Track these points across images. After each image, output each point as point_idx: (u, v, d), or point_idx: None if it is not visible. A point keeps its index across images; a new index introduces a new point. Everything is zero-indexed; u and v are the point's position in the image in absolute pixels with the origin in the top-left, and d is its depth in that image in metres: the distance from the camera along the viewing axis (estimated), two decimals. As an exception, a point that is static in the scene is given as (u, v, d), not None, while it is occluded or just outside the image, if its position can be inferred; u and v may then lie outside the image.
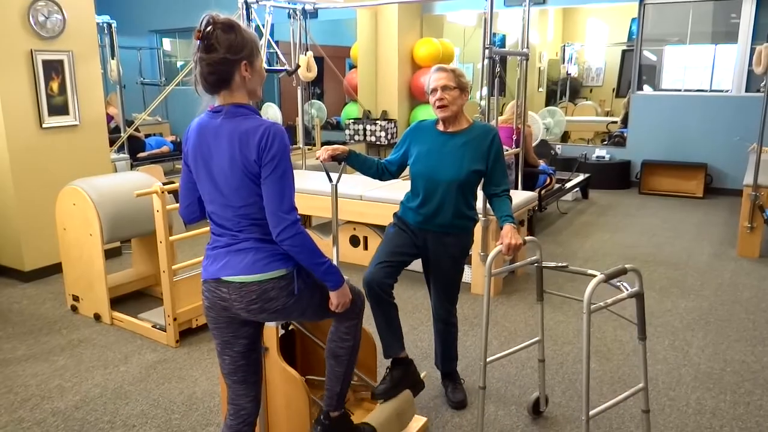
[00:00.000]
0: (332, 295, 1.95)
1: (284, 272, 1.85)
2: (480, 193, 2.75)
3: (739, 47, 7.33)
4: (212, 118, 1.79)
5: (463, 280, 2.84)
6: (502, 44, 9.77)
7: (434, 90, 2.55)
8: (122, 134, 6.35)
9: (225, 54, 1.71)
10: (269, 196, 1.75)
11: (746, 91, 7.35)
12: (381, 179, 2.82)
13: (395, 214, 2.76)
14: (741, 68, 7.33)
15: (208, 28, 1.70)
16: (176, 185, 3.48)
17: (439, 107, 2.56)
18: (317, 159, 2.63)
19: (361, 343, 2.20)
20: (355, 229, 4.80)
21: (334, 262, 2.77)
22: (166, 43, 10.95)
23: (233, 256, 1.83)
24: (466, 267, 3.06)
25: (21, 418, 2.79)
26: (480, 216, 3.88)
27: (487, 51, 4.33)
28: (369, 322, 3.18)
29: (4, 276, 4.69)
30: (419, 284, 4.39)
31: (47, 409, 2.86)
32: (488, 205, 2.71)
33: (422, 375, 2.68)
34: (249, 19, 5.05)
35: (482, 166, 2.57)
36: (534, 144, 6.42)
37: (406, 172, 2.85)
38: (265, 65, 1.88)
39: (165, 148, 7.69)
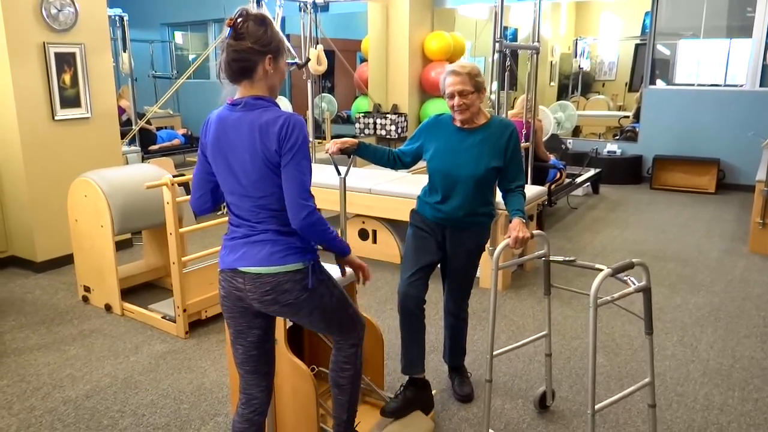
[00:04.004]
0: (344, 261, 2.06)
1: (300, 266, 1.86)
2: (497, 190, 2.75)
3: (753, 42, 7.25)
4: (232, 111, 1.82)
5: (472, 274, 2.84)
6: (514, 38, 9.71)
7: (451, 95, 2.52)
8: (134, 127, 6.40)
9: (252, 44, 1.76)
10: (290, 184, 1.77)
11: (760, 86, 7.27)
12: (394, 168, 2.82)
13: (413, 211, 2.76)
14: (756, 63, 7.25)
15: (241, 18, 1.76)
16: (186, 178, 3.50)
17: (457, 111, 2.55)
18: (326, 152, 2.63)
19: (369, 339, 2.20)
20: (363, 222, 4.81)
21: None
22: (178, 36, 11.00)
23: (250, 248, 1.85)
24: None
25: (33, 406, 2.83)
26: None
27: (497, 45, 4.31)
28: (377, 315, 3.19)
29: (16, 266, 4.74)
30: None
31: (58, 397, 2.90)
32: (497, 199, 2.70)
33: (433, 392, 2.69)
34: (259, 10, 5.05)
35: (500, 163, 2.56)
36: (544, 138, 6.40)
37: (416, 165, 2.85)
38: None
39: (176, 141, 7.75)
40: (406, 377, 2.63)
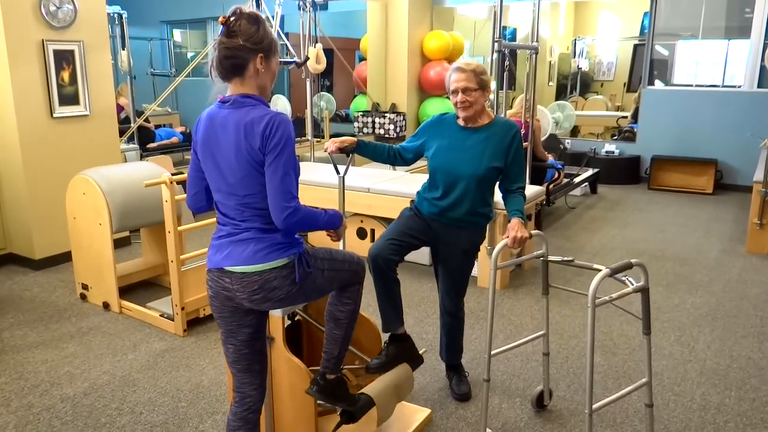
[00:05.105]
0: (336, 232, 2.16)
1: (285, 261, 1.87)
2: (497, 190, 2.75)
3: (752, 42, 7.26)
4: (221, 109, 1.83)
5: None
6: (513, 38, 9.72)
7: (455, 91, 2.54)
8: (132, 125, 6.39)
9: (244, 42, 1.77)
10: (272, 184, 1.78)
11: (758, 86, 7.28)
12: (393, 165, 2.83)
13: (411, 202, 2.79)
14: (754, 64, 7.26)
15: (234, 16, 1.78)
16: (185, 176, 3.50)
17: (461, 108, 2.56)
18: (325, 151, 2.64)
19: (364, 331, 2.21)
20: (362, 221, 4.81)
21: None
22: (177, 34, 10.98)
23: (235, 246, 1.86)
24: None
25: (31, 403, 2.83)
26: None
27: (496, 44, 4.32)
28: (375, 314, 3.20)
29: (15, 264, 4.74)
30: (425, 277, 4.40)
31: (56, 395, 2.90)
32: (496, 199, 2.72)
33: (421, 351, 2.69)
34: (259, 9, 5.06)
35: (501, 163, 2.57)
36: (543, 138, 6.40)
37: (416, 165, 2.85)
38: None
39: (174, 139, 7.73)
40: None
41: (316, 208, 1.95)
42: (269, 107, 1.83)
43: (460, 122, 2.63)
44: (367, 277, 2.17)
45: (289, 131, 1.78)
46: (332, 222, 2.04)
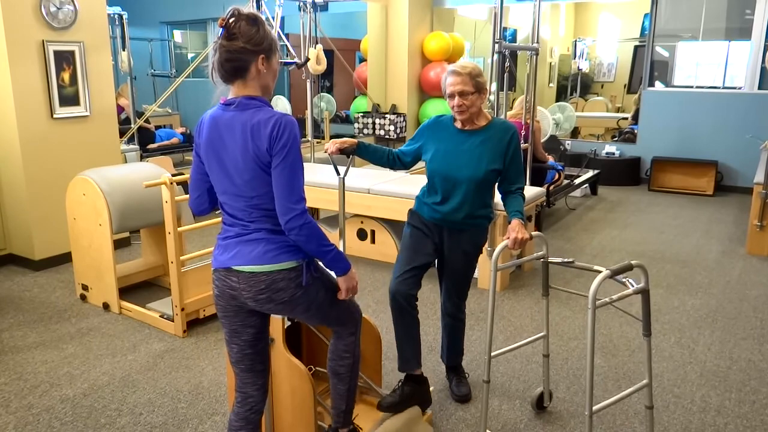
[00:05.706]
0: (340, 281, 1.98)
1: (294, 264, 1.87)
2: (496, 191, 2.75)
3: (752, 44, 7.26)
4: (225, 111, 1.83)
5: (470, 274, 2.84)
6: (513, 39, 9.71)
7: (451, 95, 2.52)
8: (132, 125, 6.39)
9: (245, 44, 1.76)
10: (278, 185, 1.77)
11: (759, 88, 7.29)
12: (393, 168, 2.82)
13: (410, 210, 2.77)
14: (754, 65, 7.26)
15: (233, 18, 1.76)
16: (185, 177, 3.50)
17: (457, 112, 2.55)
18: (325, 152, 2.63)
19: (366, 339, 2.21)
20: (362, 222, 4.81)
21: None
22: (177, 35, 10.98)
23: (244, 246, 1.86)
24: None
25: (30, 404, 2.83)
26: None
27: (496, 45, 4.32)
28: (375, 315, 3.19)
29: (15, 264, 4.74)
30: (425, 278, 4.39)
31: (56, 396, 2.90)
32: (496, 200, 2.72)
33: (431, 389, 2.70)
34: (259, 10, 5.06)
35: (500, 165, 2.56)
36: (543, 139, 6.40)
37: (415, 165, 2.85)
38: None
39: (175, 140, 7.72)
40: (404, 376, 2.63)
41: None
42: (272, 108, 1.83)
43: (458, 125, 2.62)
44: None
45: (296, 133, 1.78)
46: (341, 261, 1.92)
